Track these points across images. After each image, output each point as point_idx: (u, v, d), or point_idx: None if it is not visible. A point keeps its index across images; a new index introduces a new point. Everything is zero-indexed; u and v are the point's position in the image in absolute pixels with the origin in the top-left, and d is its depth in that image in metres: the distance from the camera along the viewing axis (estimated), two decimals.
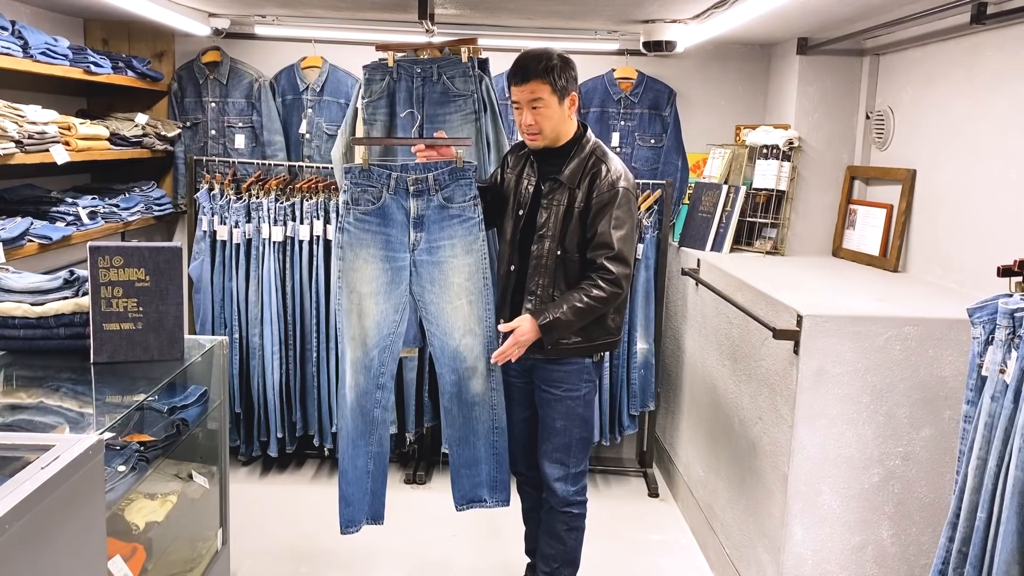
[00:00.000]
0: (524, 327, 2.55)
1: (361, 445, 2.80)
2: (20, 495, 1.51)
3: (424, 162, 2.70)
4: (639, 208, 3.91)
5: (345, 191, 2.72)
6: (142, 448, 2.25)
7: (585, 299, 2.53)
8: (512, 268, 2.72)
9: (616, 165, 2.63)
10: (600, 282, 2.54)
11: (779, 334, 2.57)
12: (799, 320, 2.55)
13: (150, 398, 2.33)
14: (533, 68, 2.55)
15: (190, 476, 2.65)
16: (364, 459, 2.81)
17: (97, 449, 1.78)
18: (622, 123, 4.18)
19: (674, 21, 3.54)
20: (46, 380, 2.33)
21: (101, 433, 1.84)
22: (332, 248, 2.79)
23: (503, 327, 2.62)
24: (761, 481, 2.84)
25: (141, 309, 2.34)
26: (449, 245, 2.72)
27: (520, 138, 2.74)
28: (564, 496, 2.68)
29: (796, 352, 2.58)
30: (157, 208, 4.07)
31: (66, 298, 2.38)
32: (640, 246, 3.93)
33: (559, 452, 2.68)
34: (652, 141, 4.19)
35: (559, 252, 2.59)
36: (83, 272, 2.39)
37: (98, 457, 1.79)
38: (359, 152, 2.79)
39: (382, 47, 3.24)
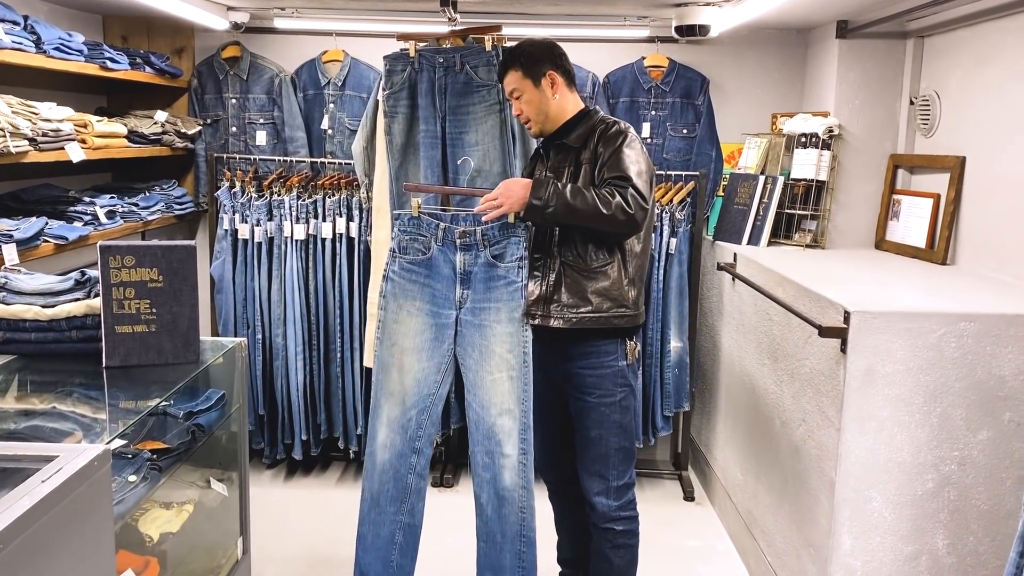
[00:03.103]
0: (514, 183, 2.44)
1: (390, 513, 2.58)
2: (18, 511, 1.42)
3: (478, 213, 2.52)
4: (672, 200, 3.77)
5: (393, 238, 2.58)
6: (154, 456, 2.16)
7: (593, 192, 2.35)
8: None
9: (630, 126, 2.52)
10: (611, 190, 2.35)
11: (825, 332, 2.42)
12: (846, 316, 2.40)
13: (164, 403, 2.24)
14: (505, 61, 2.55)
15: (208, 483, 2.55)
16: (390, 528, 2.59)
17: (104, 459, 1.68)
18: (653, 113, 4.03)
19: (707, 4, 3.38)
20: (58, 385, 2.26)
21: (109, 442, 1.75)
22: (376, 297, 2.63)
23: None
24: (805, 487, 2.69)
25: (154, 311, 2.25)
26: (494, 309, 2.53)
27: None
28: (605, 512, 2.53)
29: (843, 351, 2.42)
30: (178, 207, 4.00)
31: (77, 300, 2.30)
32: (673, 240, 3.79)
33: (596, 464, 2.53)
34: (684, 131, 4.04)
35: None
36: (94, 273, 2.30)
37: (105, 468, 1.69)
38: (410, 198, 2.65)
39: (403, 37, 3.14)
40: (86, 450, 1.67)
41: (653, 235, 3.49)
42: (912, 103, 3.59)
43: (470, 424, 2.60)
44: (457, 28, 3.19)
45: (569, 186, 2.38)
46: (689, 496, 3.91)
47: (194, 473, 2.56)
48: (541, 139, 2.66)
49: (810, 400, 2.68)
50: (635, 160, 2.42)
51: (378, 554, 2.61)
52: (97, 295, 2.26)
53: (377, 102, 3.27)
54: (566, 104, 2.55)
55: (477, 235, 2.54)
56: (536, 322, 2.51)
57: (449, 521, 3.53)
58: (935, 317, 2.39)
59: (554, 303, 2.49)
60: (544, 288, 2.51)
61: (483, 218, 2.49)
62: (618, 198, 2.34)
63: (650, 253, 2.68)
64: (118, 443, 1.79)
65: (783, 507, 2.90)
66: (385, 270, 2.60)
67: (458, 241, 2.55)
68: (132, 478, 2.01)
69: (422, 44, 3.13)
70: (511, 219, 2.50)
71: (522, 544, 2.56)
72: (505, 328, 2.54)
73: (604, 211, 2.33)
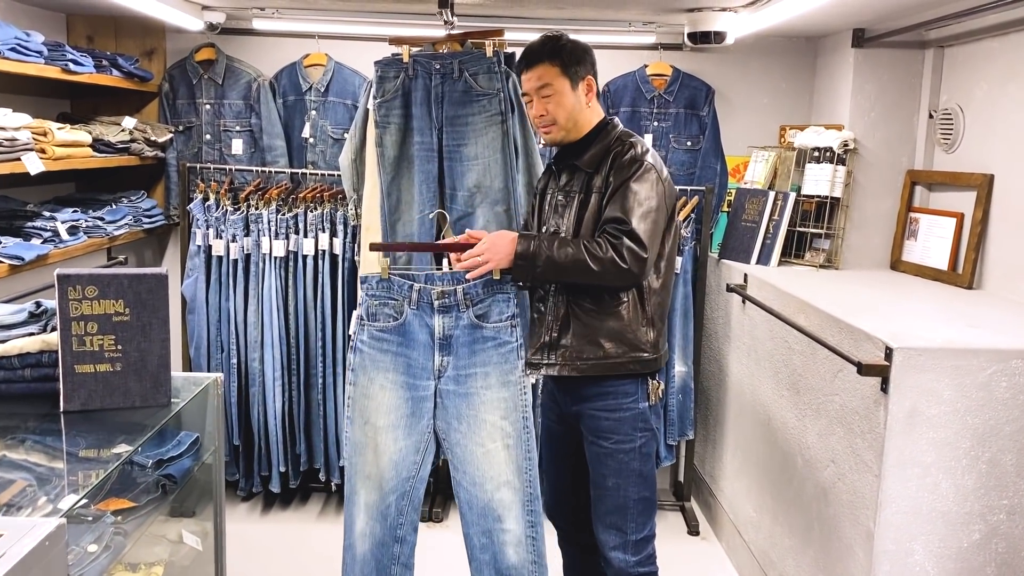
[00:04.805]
0: (499, 237, 2.20)
1: None
2: None
3: (458, 271, 2.29)
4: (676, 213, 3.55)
5: (361, 303, 2.35)
6: (118, 519, 1.89)
7: (582, 246, 2.11)
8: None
9: (647, 147, 2.27)
10: (604, 242, 2.11)
11: (866, 370, 2.20)
12: (888, 353, 2.19)
13: (132, 453, 1.97)
14: (539, 51, 2.26)
15: (179, 537, 2.28)
16: None
17: (57, 537, 1.42)
18: (655, 124, 3.81)
19: (723, 9, 3.16)
20: (8, 431, 1.97)
21: (64, 513, 1.48)
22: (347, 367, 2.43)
23: (469, 232, 2.28)
24: (836, 534, 2.48)
25: (120, 348, 1.98)
26: (482, 374, 2.30)
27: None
28: (622, 568, 2.28)
29: (884, 390, 2.21)
30: (147, 220, 3.71)
31: (32, 334, 2.02)
32: (678, 259, 3.57)
33: (613, 515, 2.29)
34: (688, 143, 3.83)
35: None
36: (51, 303, 2.03)
37: (59, 546, 1.43)
38: (377, 259, 2.42)
39: (396, 41, 2.89)
40: (36, 527, 1.41)
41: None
42: (931, 116, 3.41)
43: (461, 504, 2.36)
44: (455, 32, 2.95)
45: (556, 240, 2.15)
46: (693, 530, 3.68)
47: (164, 525, 2.28)
48: (554, 149, 2.42)
49: (840, 440, 2.47)
50: (644, 197, 2.15)
51: None
52: (54, 329, 1.99)
53: (367, 111, 3.02)
54: (593, 116, 2.31)
55: (458, 295, 2.31)
56: (541, 372, 2.29)
57: (441, 561, 3.29)
58: (984, 354, 2.19)
59: (560, 349, 2.25)
60: (549, 334, 2.27)
61: (467, 275, 2.25)
62: (611, 252, 2.10)
63: (672, 284, 2.44)
64: (82, 502, 1.53)
65: (807, 553, 2.68)
66: (352, 340, 2.36)
67: (436, 303, 2.31)
68: (92, 548, 1.74)
69: (416, 49, 2.89)
70: (495, 275, 2.28)
71: None
72: (497, 394, 2.30)
73: (594, 267, 2.10)
